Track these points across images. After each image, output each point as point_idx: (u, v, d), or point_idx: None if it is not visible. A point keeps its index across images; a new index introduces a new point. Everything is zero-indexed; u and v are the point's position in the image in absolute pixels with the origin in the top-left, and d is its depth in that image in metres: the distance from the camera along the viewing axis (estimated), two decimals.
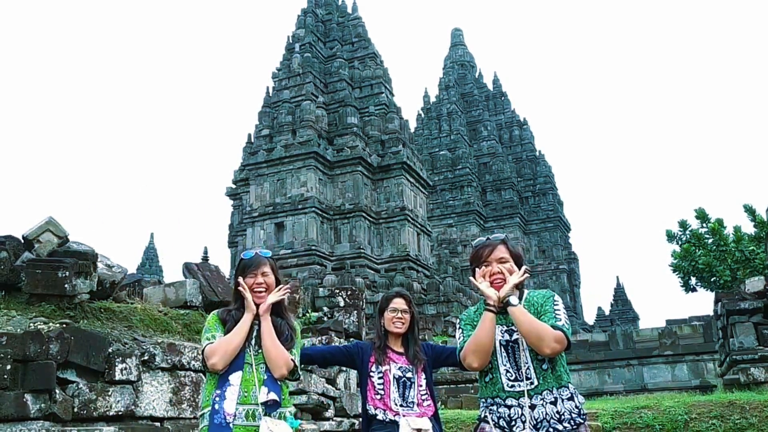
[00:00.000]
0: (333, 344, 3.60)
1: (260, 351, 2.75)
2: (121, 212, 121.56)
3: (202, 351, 2.72)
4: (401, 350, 3.41)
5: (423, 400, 3.31)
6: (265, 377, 2.72)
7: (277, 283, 2.89)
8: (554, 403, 2.52)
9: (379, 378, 3.31)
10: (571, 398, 2.56)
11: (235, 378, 2.67)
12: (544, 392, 2.53)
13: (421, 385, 3.33)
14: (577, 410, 2.53)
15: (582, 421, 2.53)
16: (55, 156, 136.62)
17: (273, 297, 2.82)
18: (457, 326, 2.81)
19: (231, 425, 2.59)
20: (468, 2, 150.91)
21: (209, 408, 2.64)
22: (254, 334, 2.78)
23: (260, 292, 2.82)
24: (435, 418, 3.32)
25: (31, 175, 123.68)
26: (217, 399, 2.64)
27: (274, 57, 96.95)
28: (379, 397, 3.28)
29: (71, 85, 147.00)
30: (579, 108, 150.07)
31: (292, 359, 2.76)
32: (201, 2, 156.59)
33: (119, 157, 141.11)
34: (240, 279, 2.84)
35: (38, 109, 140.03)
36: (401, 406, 3.24)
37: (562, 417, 2.49)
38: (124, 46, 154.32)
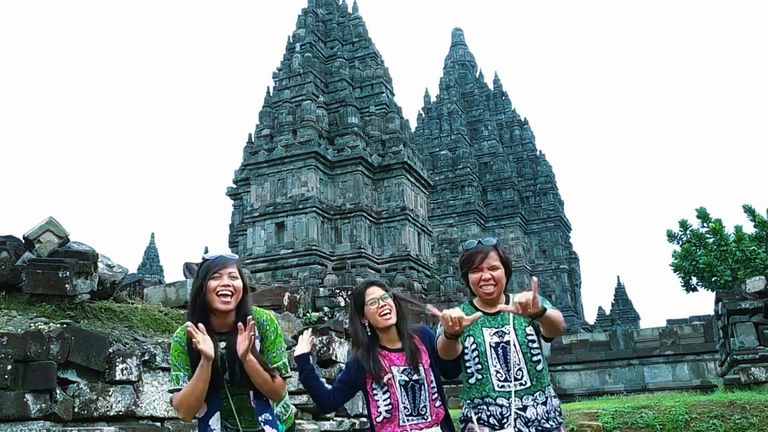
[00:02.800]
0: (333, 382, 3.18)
1: (235, 382, 2.52)
2: (121, 212, 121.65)
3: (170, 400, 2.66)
4: (399, 346, 2.87)
5: (434, 400, 2.83)
6: (252, 405, 2.56)
7: (245, 290, 2.54)
8: (545, 403, 2.61)
9: (385, 398, 2.80)
10: (555, 396, 2.70)
11: (215, 421, 2.51)
12: (537, 393, 2.61)
13: (431, 382, 2.84)
14: (558, 410, 2.66)
15: (561, 421, 2.65)
16: (55, 156, 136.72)
17: (243, 344, 2.42)
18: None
19: None
20: (468, 2, 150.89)
21: None
22: (225, 364, 2.50)
23: (226, 295, 2.46)
24: (446, 422, 2.86)
25: (31, 175, 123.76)
26: None
27: (274, 57, 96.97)
28: (388, 419, 2.78)
29: (72, 85, 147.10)
30: (579, 108, 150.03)
31: (282, 377, 2.57)
32: (201, 2, 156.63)
33: (120, 157, 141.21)
34: (189, 323, 2.42)
35: (39, 109, 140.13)
36: (411, 416, 2.77)
37: (549, 416, 2.60)
38: (125, 46, 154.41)
